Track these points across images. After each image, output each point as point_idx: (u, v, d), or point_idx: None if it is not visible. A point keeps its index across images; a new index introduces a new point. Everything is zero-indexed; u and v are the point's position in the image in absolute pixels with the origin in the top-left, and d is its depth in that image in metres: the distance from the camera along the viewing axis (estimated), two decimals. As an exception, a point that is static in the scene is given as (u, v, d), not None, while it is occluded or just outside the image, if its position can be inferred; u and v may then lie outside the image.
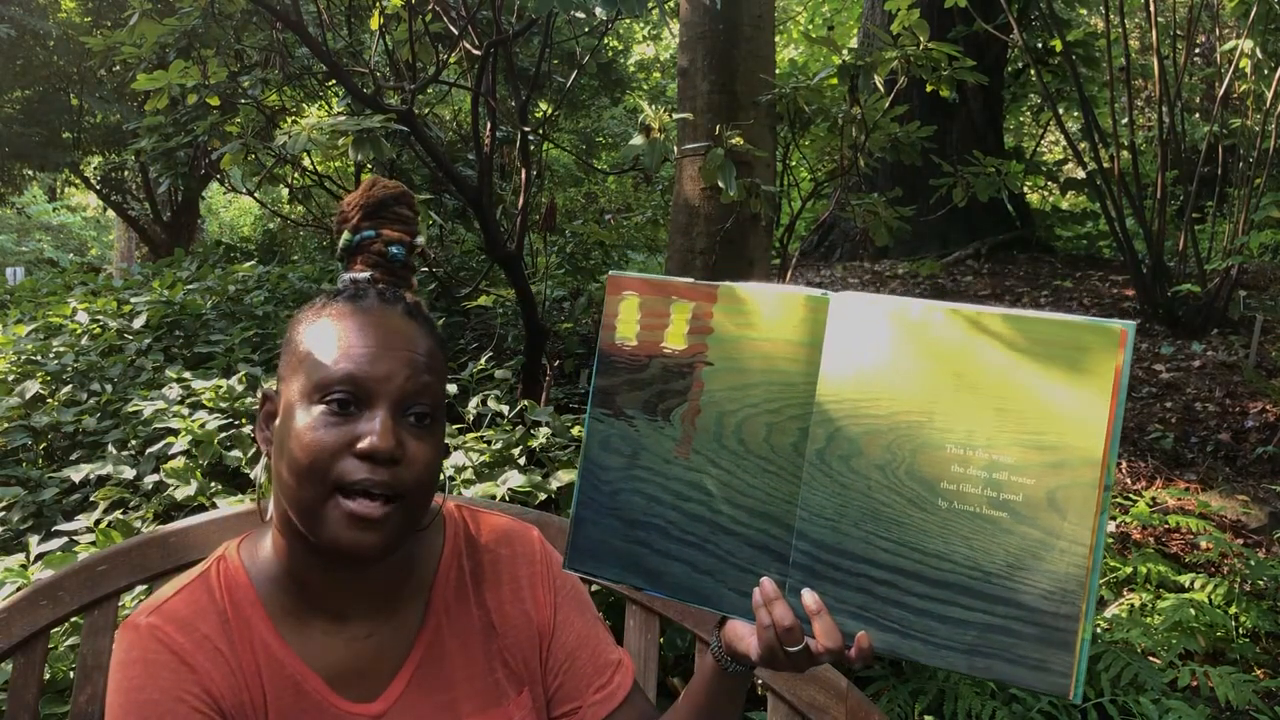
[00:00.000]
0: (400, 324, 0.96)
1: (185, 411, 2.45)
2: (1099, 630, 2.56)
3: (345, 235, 1.02)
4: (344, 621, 0.98)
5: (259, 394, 0.99)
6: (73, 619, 1.36)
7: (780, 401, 0.92)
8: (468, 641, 1.02)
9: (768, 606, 0.88)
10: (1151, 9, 5.33)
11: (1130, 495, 3.67)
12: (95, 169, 9.13)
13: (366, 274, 1.00)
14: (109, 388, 2.86)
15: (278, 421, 0.96)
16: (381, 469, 0.89)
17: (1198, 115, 8.72)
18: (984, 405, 0.85)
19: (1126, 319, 0.82)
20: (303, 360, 0.94)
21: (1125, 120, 7.19)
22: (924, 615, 0.86)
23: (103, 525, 2.03)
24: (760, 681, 1.46)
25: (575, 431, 2.61)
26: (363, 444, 0.89)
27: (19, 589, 1.49)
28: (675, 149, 3.09)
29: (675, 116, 2.89)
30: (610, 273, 1.01)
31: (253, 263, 4.94)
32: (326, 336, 0.94)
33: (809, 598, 0.88)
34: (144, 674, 0.92)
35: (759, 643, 0.90)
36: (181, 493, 2.13)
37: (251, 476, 0.94)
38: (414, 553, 1.02)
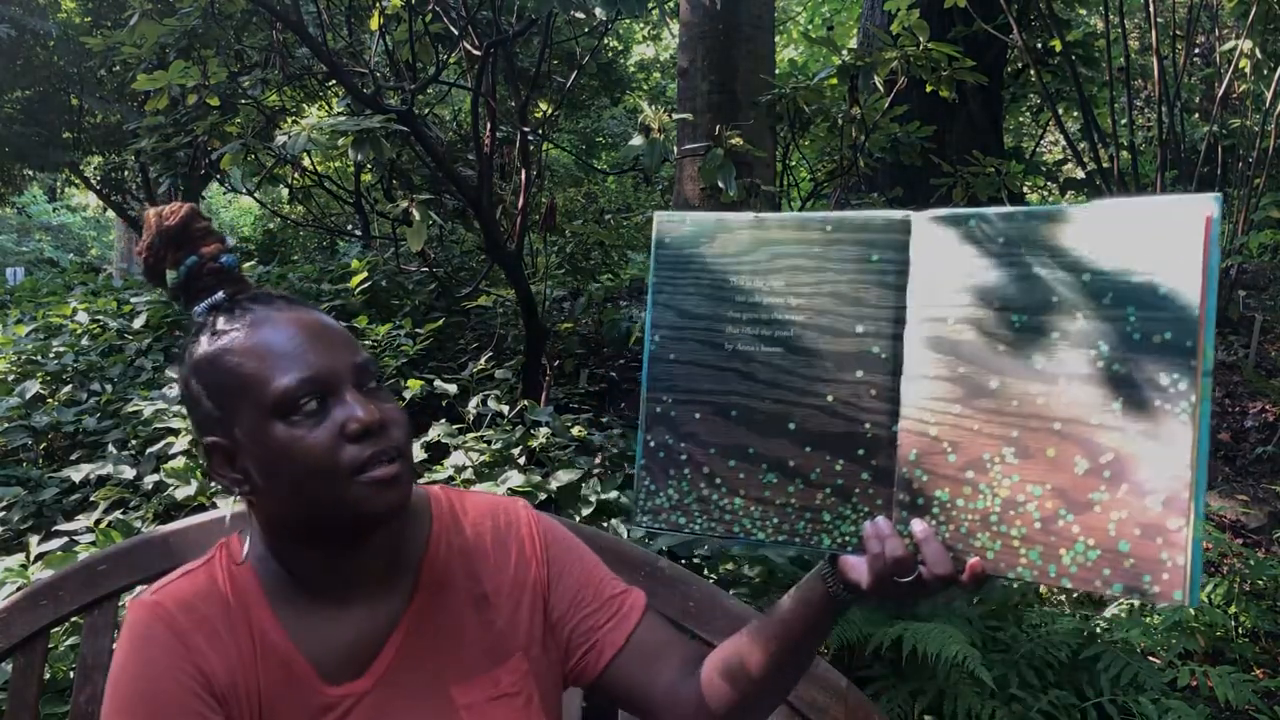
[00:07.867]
0: (304, 314, 0.98)
1: (185, 411, 2.45)
2: (1099, 629, 2.56)
3: (170, 274, 1.00)
4: (347, 606, 1.00)
5: (202, 449, 0.99)
6: (73, 619, 1.37)
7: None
8: (459, 614, 1.04)
9: (880, 540, 0.89)
10: (1151, 9, 5.33)
11: (1130, 495, 3.67)
12: (95, 169, 9.13)
13: (220, 294, 1.00)
14: (109, 388, 2.86)
15: (245, 456, 0.94)
16: (378, 438, 0.92)
17: (1197, 115, 8.73)
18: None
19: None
20: (244, 390, 0.93)
21: (1125, 120, 7.19)
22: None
23: (103, 525, 2.03)
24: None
25: (575, 431, 2.61)
26: (352, 426, 0.91)
27: (19, 589, 1.48)
28: (675, 149, 3.09)
29: (675, 116, 2.90)
30: None
31: (253, 263, 4.93)
32: (254, 359, 0.93)
33: (918, 526, 0.88)
34: (142, 649, 0.95)
35: (870, 573, 0.90)
36: (181, 493, 2.13)
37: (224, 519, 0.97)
38: (404, 532, 1.03)
